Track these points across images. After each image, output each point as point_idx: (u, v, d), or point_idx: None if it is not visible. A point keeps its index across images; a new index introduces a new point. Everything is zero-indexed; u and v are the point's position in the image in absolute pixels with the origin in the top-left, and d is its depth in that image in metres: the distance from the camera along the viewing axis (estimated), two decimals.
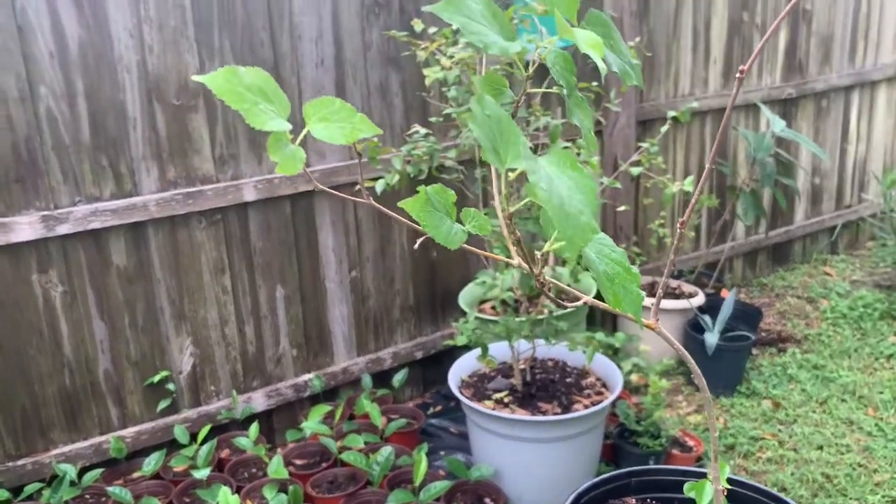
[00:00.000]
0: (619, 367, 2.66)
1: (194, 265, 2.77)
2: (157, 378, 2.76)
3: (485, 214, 2.30)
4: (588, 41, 0.79)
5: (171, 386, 2.79)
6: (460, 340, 2.50)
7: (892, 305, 4.08)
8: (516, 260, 0.87)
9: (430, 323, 3.37)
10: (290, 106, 0.74)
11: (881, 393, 3.33)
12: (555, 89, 0.93)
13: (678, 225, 0.91)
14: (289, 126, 0.73)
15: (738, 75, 0.79)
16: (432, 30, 2.57)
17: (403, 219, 0.85)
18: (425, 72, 2.43)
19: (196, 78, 0.68)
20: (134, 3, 2.49)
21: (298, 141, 0.76)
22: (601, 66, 0.78)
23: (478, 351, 2.75)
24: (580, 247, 0.63)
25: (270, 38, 2.76)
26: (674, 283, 3.78)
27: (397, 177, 2.39)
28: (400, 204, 0.83)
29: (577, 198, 0.63)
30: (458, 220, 0.84)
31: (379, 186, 2.43)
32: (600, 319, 3.86)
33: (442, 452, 2.94)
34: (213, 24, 2.64)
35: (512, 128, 0.70)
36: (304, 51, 2.83)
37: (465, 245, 0.82)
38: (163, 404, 2.78)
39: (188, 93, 2.64)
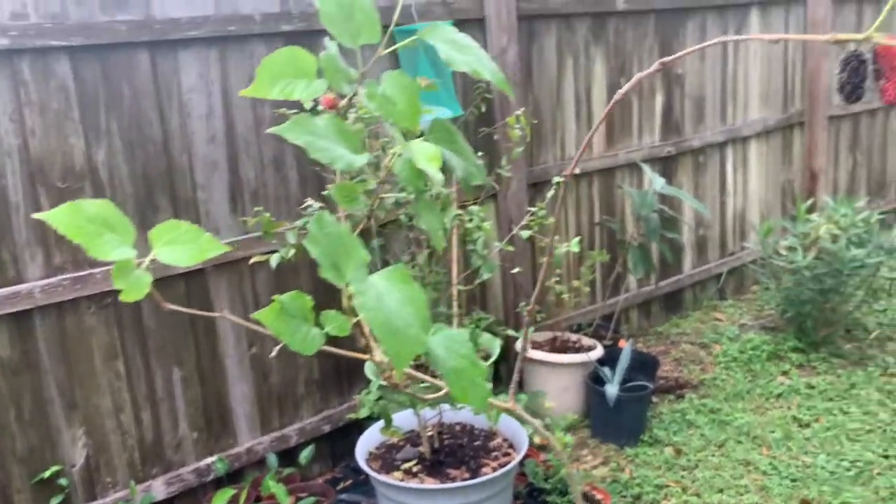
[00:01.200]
0: (524, 426, 2.70)
1: (84, 352, 2.67)
2: (47, 473, 2.61)
3: None
4: (425, 155, 0.84)
5: (63, 481, 2.64)
6: (362, 413, 2.49)
7: (778, 346, 4.31)
8: (377, 355, 0.89)
9: (337, 395, 3.34)
10: (134, 232, 0.75)
11: (773, 432, 3.50)
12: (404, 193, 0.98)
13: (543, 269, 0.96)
14: (133, 253, 0.74)
15: (583, 145, 0.86)
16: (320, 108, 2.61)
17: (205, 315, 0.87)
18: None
19: (36, 216, 0.70)
20: (13, 87, 2.44)
21: (144, 266, 0.77)
22: (437, 178, 0.83)
23: (401, 415, 2.74)
24: (408, 360, 0.66)
25: (159, 116, 2.74)
26: (573, 337, 3.89)
27: (293, 251, 2.39)
28: (254, 315, 0.85)
29: (407, 311, 0.66)
30: (318, 323, 0.86)
31: (274, 261, 2.43)
32: (506, 377, 3.91)
33: None
34: (100, 106, 2.61)
35: (352, 243, 0.73)
36: (194, 128, 2.82)
37: (324, 346, 0.84)
38: (54, 501, 2.63)
39: (74, 175, 2.59)
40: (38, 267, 2.55)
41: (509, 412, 0.95)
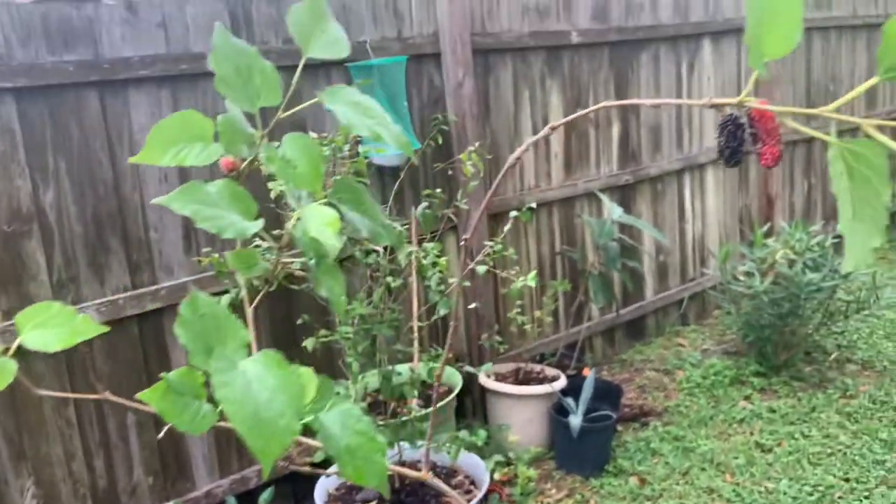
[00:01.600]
0: (486, 461, 2.68)
1: (33, 399, 2.59)
2: None
3: (338, 321, 2.27)
4: (322, 221, 0.82)
5: None
6: (318, 457, 2.44)
7: (740, 371, 4.34)
8: None
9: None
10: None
11: (736, 458, 3.51)
12: (302, 259, 0.96)
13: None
14: None
15: (504, 170, 0.85)
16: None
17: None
18: (270, 185, 2.45)
19: None
20: None
21: (10, 353, 0.75)
22: (330, 245, 0.82)
23: None
24: (277, 454, 0.63)
25: (110, 156, 2.71)
26: (537, 367, 3.88)
27: (244, 291, 2.35)
28: (139, 396, 0.82)
29: (280, 399, 0.64)
30: (212, 400, 0.84)
31: (224, 301, 2.39)
32: (471, 410, 3.89)
33: None
34: (47, 147, 2.57)
35: (231, 324, 0.71)
36: (146, 168, 2.79)
37: (219, 423, 0.81)
38: None
39: (21, 218, 2.53)
40: None
41: (423, 479, 0.93)
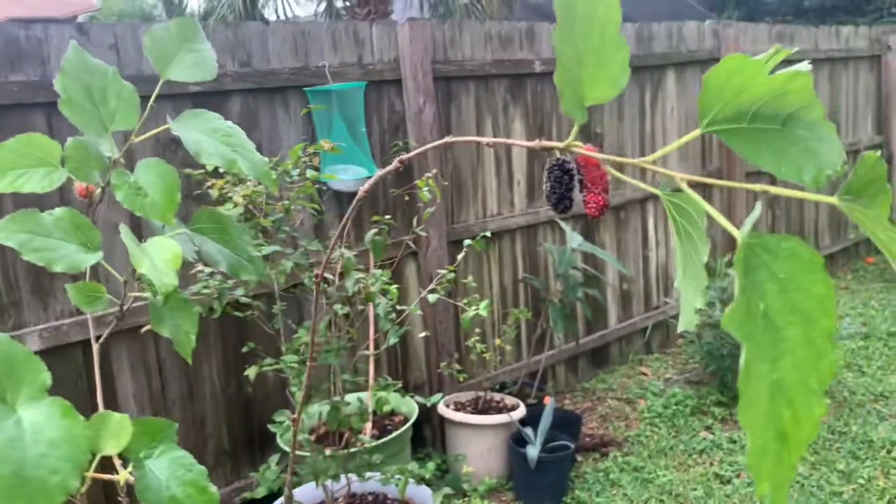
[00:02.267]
0: (435, 493, 2.62)
1: None
2: None
3: (286, 350, 2.22)
4: (161, 255, 0.79)
5: None
6: (259, 493, 2.38)
7: (702, 401, 4.34)
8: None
9: (249, 465, 3.21)
10: None
11: (695, 489, 3.48)
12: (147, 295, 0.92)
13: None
14: None
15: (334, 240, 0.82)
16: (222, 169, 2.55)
17: None
18: (218, 210, 2.40)
19: None
20: None
21: None
22: (164, 283, 0.78)
23: (303, 489, 2.63)
24: None
25: None
26: (497, 396, 3.84)
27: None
28: None
29: (58, 454, 0.59)
30: None
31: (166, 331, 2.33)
32: (430, 439, 3.83)
33: None
34: None
35: (30, 365, 0.66)
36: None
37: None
38: None
39: None
40: None
41: None
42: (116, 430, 0.74)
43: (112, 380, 2.81)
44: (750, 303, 0.49)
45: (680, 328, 0.53)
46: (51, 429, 0.59)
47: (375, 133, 3.51)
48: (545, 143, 0.62)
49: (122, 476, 0.74)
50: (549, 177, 0.67)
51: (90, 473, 0.76)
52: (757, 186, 0.55)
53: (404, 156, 0.75)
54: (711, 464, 3.72)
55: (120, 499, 0.83)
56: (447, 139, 0.72)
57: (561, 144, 0.62)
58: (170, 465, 0.74)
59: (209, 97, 2.94)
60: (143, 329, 2.55)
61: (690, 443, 3.93)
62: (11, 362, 0.63)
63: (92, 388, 2.76)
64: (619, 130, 4.76)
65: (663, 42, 4.92)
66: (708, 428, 4.09)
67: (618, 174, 0.62)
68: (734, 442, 3.91)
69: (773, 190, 0.54)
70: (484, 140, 0.69)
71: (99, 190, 0.85)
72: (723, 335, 4.22)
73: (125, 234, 0.77)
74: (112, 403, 2.81)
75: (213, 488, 0.75)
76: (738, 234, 0.52)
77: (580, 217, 4.53)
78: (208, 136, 0.84)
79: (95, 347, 0.95)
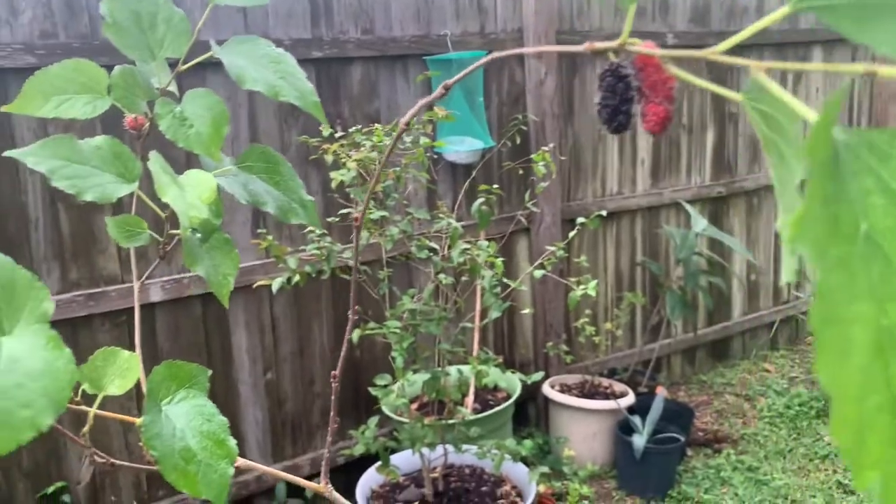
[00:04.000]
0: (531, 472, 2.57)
1: None
2: (51, 489, 2.61)
3: (389, 315, 2.23)
4: (197, 190, 0.74)
5: (67, 497, 2.63)
6: (357, 450, 2.41)
7: (828, 404, 4.04)
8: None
9: (354, 425, 3.25)
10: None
11: (814, 497, 3.26)
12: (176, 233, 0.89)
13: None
14: None
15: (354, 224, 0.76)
16: (339, 134, 2.58)
17: None
18: (332, 174, 2.43)
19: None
20: None
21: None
22: (196, 215, 0.74)
23: (400, 455, 2.65)
24: (11, 447, 0.54)
25: None
26: (606, 381, 3.73)
27: (297, 277, 2.34)
28: None
29: (35, 386, 0.55)
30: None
31: (275, 286, 2.38)
32: (534, 419, 3.77)
33: None
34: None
35: (32, 293, 0.63)
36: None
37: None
38: None
39: None
40: (55, 282, 2.57)
41: (320, 492, 0.85)
42: (123, 370, 0.73)
43: (228, 334, 2.92)
44: (841, 218, 0.36)
45: (783, 279, 0.42)
46: (31, 359, 0.56)
47: (493, 105, 3.45)
48: (596, 44, 0.53)
49: (142, 421, 0.73)
50: (601, 86, 0.58)
51: (93, 410, 0.75)
52: (859, 67, 0.39)
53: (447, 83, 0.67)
54: (835, 471, 3.47)
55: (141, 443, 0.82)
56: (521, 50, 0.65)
57: (613, 44, 0.53)
58: (188, 413, 0.72)
59: (331, 63, 2.97)
60: (255, 285, 2.62)
61: (812, 447, 3.67)
62: (13, 288, 0.61)
63: (209, 338, 2.88)
64: None
65: (811, 16, 4.56)
66: None
67: (692, 78, 0.52)
68: None
69: (884, 71, 0.37)
70: (528, 50, 0.61)
71: (148, 122, 0.84)
72: None
73: (154, 161, 0.75)
74: (227, 357, 2.92)
75: (233, 443, 0.72)
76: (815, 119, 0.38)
77: (707, 201, 4.31)
78: (254, 62, 0.80)
79: (137, 285, 0.95)
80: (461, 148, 3.11)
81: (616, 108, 0.55)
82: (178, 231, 0.84)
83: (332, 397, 0.88)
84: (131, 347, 2.62)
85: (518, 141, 3.34)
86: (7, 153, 0.75)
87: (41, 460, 2.60)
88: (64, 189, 0.74)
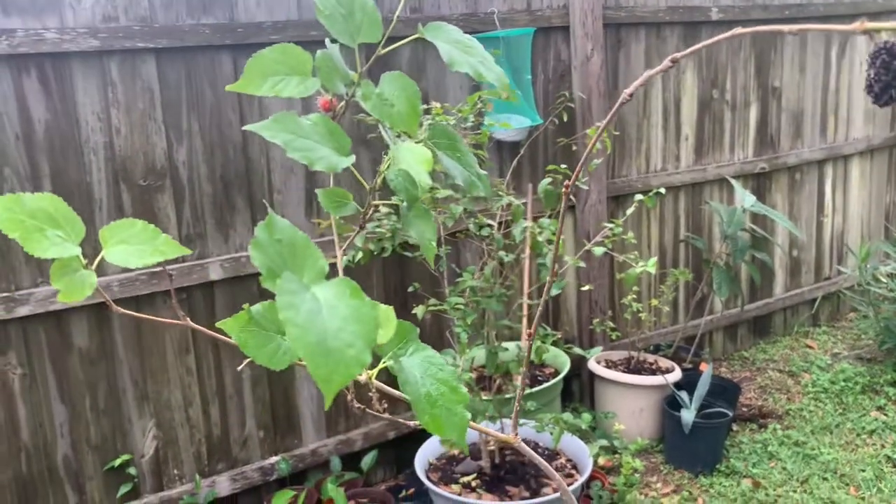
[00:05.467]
0: (589, 446, 2.61)
1: (158, 346, 2.74)
2: (118, 462, 2.69)
3: (449, 292, 2.26)
4: (416, 158, 0.79)
5: (132, 470, 2.72)
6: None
7: (874, 379, 4.04)
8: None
9: (400, 402, 3.31)
10: (83, 230, 0.73)
11: (863, 471, 3.26)
12: (394, 199, 0.92)
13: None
14: (77, 251, 0.71)
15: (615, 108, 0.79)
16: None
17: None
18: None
19: None
20: (102, 87, 2.53)
21: (94, 266, 0.75)
22: (422, 180, 0.78)
23: None
24: (341, 384, 0.60)
25: (240, 118, 2.79)
26: (651, 357, 3.74)
27: (360, 254, 2.39)
28: (219, 324, 0.81)
29: (351, 329, 0.60)
30: None
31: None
32: (578, 395, 3.81)
33: None
34: (182, 106, 2.68)
35: (309, 252, 0.68)
36: None
37: (299, 362, 0.80)
38: (124, 489, 2.71)
39: (155, 173, 2.66)
40: None
41: (508, 442, 0.88)
42: (385, 320, 0.78)
43: None
44: None
45: None
46: (342, 306, 0.62)
47: (539, 82, 3.45)
48: (868, 24, 0.56)
49: (385, 365, 0.77)
50: (874, 62, 0.60)
51: (373, 372, 0.80)
52: None
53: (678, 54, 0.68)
54: (883, 446, 3.47)
55: (371, 394, 0.87)
56: (738, 31, 0.67)
57: (892, 24, 0.55)
58: (422, 364, 0.77)
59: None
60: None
61: (859, 422, 3.67)
62: (294, 246, 0.67)
63: None
64: (800, 85, 4.42)
65: None
66: (880, 408, 3.81)
67: None
68: None
69: None
70: (786, 28, 0.63)
71: (343, 102, 0.88)
72: None
73: (390, 141, 0.80)
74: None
75: (464, 389, 0.77)
76: None
77: (750, 177, 4.29)
78: (455, 47, 0.84)
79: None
80: (513, 126, 3.12)
81: (889, 84, 0.58)
82: (378, 202, 0.88)
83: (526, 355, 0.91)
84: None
85: (565, 118, 3.35)
86: (246, 127, 0.79)
87: (108, 434, 2.68)
88: (297, 159, 0.78)
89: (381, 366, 0.78)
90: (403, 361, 0.76)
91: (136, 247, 0.74)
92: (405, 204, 0.90)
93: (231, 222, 2.83)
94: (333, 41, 0.89)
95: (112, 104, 2.55)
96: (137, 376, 2.71)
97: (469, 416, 0.77)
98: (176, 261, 2.72)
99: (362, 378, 0.78)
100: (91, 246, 0.84)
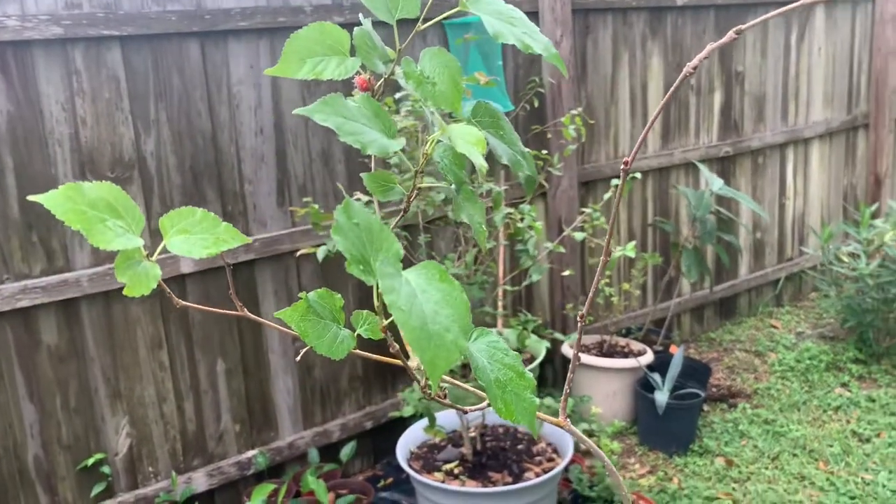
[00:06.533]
0: None
1: (130, 341, 2.68)
2: (90, 461, 2.63)
3: None
4: (468, 139, 0.77)
5: (106, 469, 2.66)
6: (407, 411, 2.44)
7: (837, 357, 4.14)
8: (414, 362, 0.83)
9: (381, 391, 3.30)
10: (143, 220, 0.70)
11: (831, 446, 3.35)
12: (443, 183, 0.91)
13: None
14: (140, 242, 0.68)
15: (648, 126, 0.78)
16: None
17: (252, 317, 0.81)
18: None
19: (31, 198, 0.64)
20: (66, 76, 2.45)
21: (155, 256, 0.72)
22: (480, 164, 0.76)
23: (445, 414, 2.69)
24: (444, 369, 0.59)
25: (208, 108, 2.73)
26: (622, 341, 3.78)
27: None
28: (277, 314, 0.79)
29: (445, 313, 0.59)
30: (349, 325, 0.81)
31: (320, 254, 2.39)
32: (552, 380, 3.83)
33: None
34: (150, 96, 2.61)
35: (385, 235, 0.67)
36: (242, 120, 2.81)
37: (355, 350, 0.78)
38: (97, 489, 2.65)
39: (123, 165, 2.59)
40: (87, 255, 2.57)
41: (560, 426, 0.88)
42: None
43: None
44: None
45: None
46: (433, 290, 0.61)
47: (509, 69, 3.45)
48: None
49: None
50: None
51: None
52: None
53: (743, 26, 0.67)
54: (848, 421, 3.56)
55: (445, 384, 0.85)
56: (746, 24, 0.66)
57: None
58: (487, 349, 0.75)
59: (352, 28, 2.94)
60: (298, 253, 2.63)
61: (825, 399, 3.77)
62: (371, 230, 0.66)
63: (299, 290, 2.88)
64: (762, 70, 4.49)
65: None
66: (844, 385, 3.91)
67: None
68: (873, 401, 3.72)
69: None
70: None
71: (381, 81, 0.85)
72: (865, 289, 3.99)
73: (438, 122, 0.78)
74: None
75: (530, 374, 0.76)
76: None
77: (714, 161, 4.34)
78: (499, 19, 0.82)
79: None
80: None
81: None
82: (426, 184, 0.86)
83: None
84: (164, 319, 2.64)
85: (536, 104, 3.35)
86: (297, 111, 0.76)
87: (80, 433, 2.62)
88: (350, 143, 0.76)
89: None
90: (471, 347, 0.75)
91: (197, 236, 0.71)
92: (453, 187, 0.88)
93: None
94: (365, 19, 0.86)
95: (77, 94, 2.47)
96: (109, 373, 2.65)
97: (538, 401, 0.76)
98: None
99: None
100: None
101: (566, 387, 0.85)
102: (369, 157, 2.97)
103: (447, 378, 0.80)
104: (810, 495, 3.00)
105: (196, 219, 0.71)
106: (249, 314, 0.83)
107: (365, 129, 0.78)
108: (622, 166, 0.73)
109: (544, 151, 2.54)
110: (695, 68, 0.67)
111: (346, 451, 3.03)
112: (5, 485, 2.50)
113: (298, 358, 0.82)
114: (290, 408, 3.06)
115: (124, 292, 0.68)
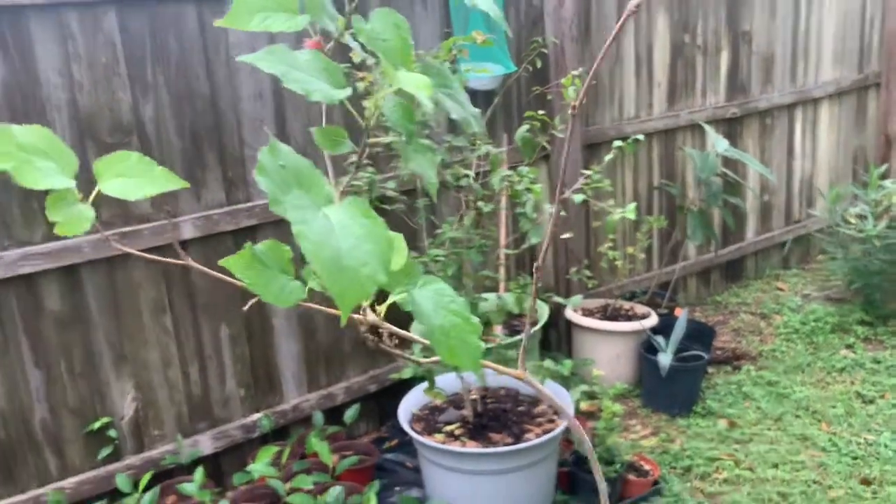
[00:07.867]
0: (571, 392, 2.63)
1: (133, 306, 2.69)
2: (97, 425, 2.66)
3: (429, 244, 2.25)
4: (415, 83, 0.77)
5: (112, 432, 2.69)
6: (406, 373, 2.46)
7: (843, 319, 4.12)
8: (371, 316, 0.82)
9: (385, 354, 3.31)
10: (76, 163, 0.70)
11: (834, 407, 3.35)
12: (391, 135, 0.90)
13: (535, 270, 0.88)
14: (71, 183, 0.68)
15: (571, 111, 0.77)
16: (371, 61, 2.54)
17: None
18: (364, 102, 2.40)
19: None
20: (62, 41, 2.43)
21: (91, 200, 0.72)
22: (427, 105, 0.76)
23: (437, 379, 2.70)
24: (355, 301, 0.59)
25: (206, 71, 2.72)
26: (627, 304, 3.78)
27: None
28: (221, 262, 0.79)
29: (365, 248, 0.60)
30: (299, 277, 0.81)
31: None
32: (556, 343, 3.84)
33: (397, 488, 2.88)
34: (146, 60, 2.59)
35: (314, 177, 0.66)
36: (241, 83, 2.79)
37: (304, 303, 0.78)
38: (104, 452, 2.68)
39: (122, 130, 2.58)
40: None
41: (519, 378, 0.88)
42: (398, 248, 0.76)
43: None
44: None
45: None
46: (354, 226, 0.61)
47: (511, 29, 3.40)
48: None
49: (395, 299, 0.76)
50: None
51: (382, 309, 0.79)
52: None
53: None
54: (852, 383, 3.56)
55: (381, 329, 0.86)
56: None
57: None
58: (434, 296, 0.76)
59: None
60: None
61: (830, 360, 3.76)
62: (300, 173, 0.66)
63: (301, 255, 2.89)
64: (770, 29, 4.42)
65: None
66: (849, 346, 3.90)
67: None
68: (878, 362, 3.71)
69: None
70: None
71: (331, 43, 0.86)
72: (872, 251, 3.96)
73: (388, 70, 0.78)
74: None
75: (476, 319, 0.76)
76: None
77: (721, 122, 4.29)
78: None
79: None
80: (491, 73, 3.07)
81: None
82: (376, 139, 0.86)
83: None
84: (167, 284, 2.65)
85: (538, 65, 3.31)
86: (240, 58, 0.76)
87: (86, 397, 2.65)
88: (294, 90, 0.75)
89: (392, 299, 0.77)
90: (415, 293, 0.75)
91: (133, 179, 0.71)
92: (403, 138, 0.88)
93: (202, 180, 2.77)
94: None
95: (73, 59, 2.46)
96: (113, 338, 2.67)
97: (483, 345, 0.76)
98: (147, 220, 2.66)
99: (370, 317, 0.77)
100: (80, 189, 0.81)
101: (524, 341, 0.84)
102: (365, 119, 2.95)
103: (389, 325, 0.81)
104: (812, 456, 3.01)
105: (132, 162, 0.71)
106: (194, 264, 0.83)
107: (308, 78, 0.78)
108: (570, 111, 0.72)
109: (541, 112, 2.51)
110: (637, 6, 0.65)
111: (349, 414, 3.05)
112: (13, 447, 2.54)
113: (246, 308, 0.82)
114: (294, 372, 3.09)
115: (56, 230, 0.68)
